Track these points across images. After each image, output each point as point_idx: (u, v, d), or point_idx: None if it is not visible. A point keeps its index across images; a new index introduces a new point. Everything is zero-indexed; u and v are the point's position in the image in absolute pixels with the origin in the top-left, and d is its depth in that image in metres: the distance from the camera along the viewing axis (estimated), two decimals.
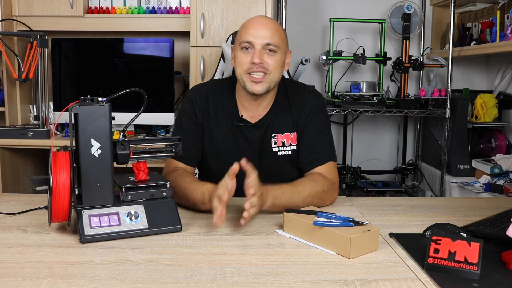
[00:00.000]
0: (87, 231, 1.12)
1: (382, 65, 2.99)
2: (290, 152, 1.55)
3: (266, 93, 1.49)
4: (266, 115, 1.55)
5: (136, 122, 1.29)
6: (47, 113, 2.65)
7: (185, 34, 2.57)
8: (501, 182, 2.33)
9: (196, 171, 1.68)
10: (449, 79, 2.78)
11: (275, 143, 1.55)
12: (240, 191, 1.51)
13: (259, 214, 1.31)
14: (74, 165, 1.12)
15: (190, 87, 2.47)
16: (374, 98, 2.89)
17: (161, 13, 2.68)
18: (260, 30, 1.43)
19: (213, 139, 1.55)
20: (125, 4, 2.70)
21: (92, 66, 2.68)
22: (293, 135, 1.55)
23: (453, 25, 2.75)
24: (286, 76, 2.07)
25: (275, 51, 1.44)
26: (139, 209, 1.19)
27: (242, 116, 1.54)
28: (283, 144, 1.55)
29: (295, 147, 1.55)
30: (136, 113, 1.27)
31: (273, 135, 1.54)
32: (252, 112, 1.54)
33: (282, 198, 1.33)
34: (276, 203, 1.32)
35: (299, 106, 1.55)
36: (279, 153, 1.55)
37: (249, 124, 1.54)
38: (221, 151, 1.55)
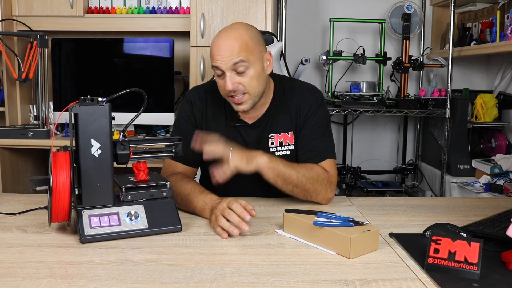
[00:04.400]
0: (87, 231, 1.12)
1: (382, 65, 2.99)
2: (288, 152, 1.55)
3: (255, 105, 1.48)
4: (263, 115, 1.54)
5: (136, 122, 1.29)
6: (47, 113, 2.65)
7: (185, 34, 2.57)
8: (501, 182, 2.33)
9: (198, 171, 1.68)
10: (449, 79, 2.78)
11: (272, 143, 1.54)
12: (240, 191, 1.52)
13: (259, 214, 1.31)
14: (74, 165, 1.12)
15: (190, 87, 2.47)
16: (374, 98, 2.89)
17: (161, 13, 2.68)
18: (224, 52, 1.38)
19: None
20: (125, 4, 2.70)
21: (92, 66, 2.68)
22: (290, 134, 1.55)
23: (453, 25, 2.75)
24: (286, 75, 2.07)
25: (247, 67, 1.40)
26: (139, 209, 1.19)
27: (239, 116, 1.54)
28: (281, 144, 1.54)
29: (293, 146, 1.55)
30: (136, 113, 1.27)
31: (270, 135, 1.54)
32: (249, 113, 1.54)
33: (277, 161, 1.37)
34: (272, 161, 1.36)
35: (297, 104, 1.54)
36: (277, 154, 1.54)
37: (246, 125, 1.54)
38: None
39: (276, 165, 1.37)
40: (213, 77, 2.18)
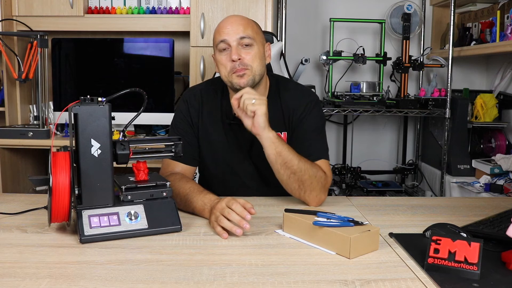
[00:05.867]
0: (87, 231, 1.12)
1: (382, 65, 2.99)
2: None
3: (254, 88, 1.48)
4: None
5: (136, 122, 1.29)
6: (47, 113, 2.65)
7: (185, 34, 2.57)
8: (501, 182, 2.33)
9: (197, 171, 1.69)
10: (449, 79, 2.78)
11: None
12: (239, 191, 1.52)
13: (259, 214, 1.31)
14: (74, 165, 1.12)
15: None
16: (374, 98, 2.89)
17: (161, 13, 2.68)
18: (232, 27, 1.44)
19: (207, 138, 1.56)
20: (125, 4, 2.70)
21: (92, 66, 2.68)
22: (284, 134, 1.55)
23: (453, 25, 2.75)
24: (286, 75, 2.08)
25: (251, 44, 1.45)
26: (139, 209, 1.19)
27: (235, 114, 1.54)
28: None
29: None
30: (136, 113, 1.27)
31: None
32: None
33: (283, 142, 1.39)
34: (278, 138, 1.38)
35: (290, 106, 1.54)
36: None
37: (241, 123, 1.54)
38: (216, 150, 1.56)
39: (281, 144, 1.38)
40: (213, 76, 2.18)
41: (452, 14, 2.73)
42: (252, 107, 1.34)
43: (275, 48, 1.95)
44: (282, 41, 2.75)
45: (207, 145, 1.56)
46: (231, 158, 1.56)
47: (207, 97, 1.57)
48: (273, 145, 1.37)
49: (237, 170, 1.57)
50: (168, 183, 1.25)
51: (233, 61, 1.43)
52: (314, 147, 1.51)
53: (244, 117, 1.38)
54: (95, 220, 1.14)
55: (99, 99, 1.15)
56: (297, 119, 1.53)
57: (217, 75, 2.15)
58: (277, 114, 1.54)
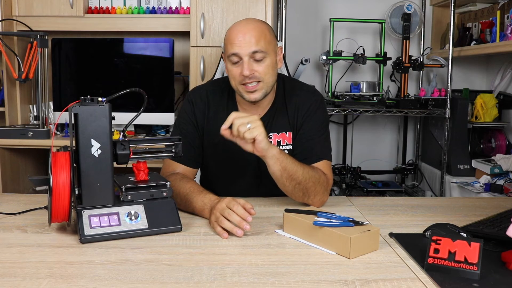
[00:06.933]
0: (87, 231, 1.12)
1: (382, 65, 2.99)
2: (285, 152, 1.55)
3: (265, 97, 1.49)
4: (265, 115, 1.54)
5: (136, 122, 1.29)
6: (47, 113, 2.65)
7: (185, 34, 2.57)
8: (501, 182, 2.34)
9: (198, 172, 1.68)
10: (449, 79, 2.78)
11: (270, 142, 1.54)
12: (239, 191, 1.52)
13: (259, 214, 1.31)
14: (74, 165, 1.12)
15: (190, 87, 2.47)
16: (374, 98, 2.89)
17: (161, 13, 2.68)
18: (244, 39, 1.40)
19: (212, 139, 1.55)
20: (125, 4, 2.70)
21: (92, 66, 2.68)
22: (289, 134, 1.55)
23: (453, 25, 2.75)
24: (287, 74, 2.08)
25: (264, 56, 1.42)
26: (139, 209, 1.19)
27: None
28: (279, 144, 1.54)
29: (291, 146, 1.55)
30: (136, 113, 1.27)
31: (269, 134, 1.54)
32: (251, 112, 1.54)
33: (286, 155, 1.37)
34: (282, 153, 1.35)
35: (295, 106, 1.54)
36: None
37: None
38: (220, 151, 1.55)
39: (285, 158, 1.36)
40: (213, 76, 2.18)
41: (452, 14, 2.73)
42: (249, 134, 1.27)
43: None
44: (282, 41, 2.75)
45: (212, 147, 1.56)
46: (236, 160, 1.55)
47: (213, 98, 1.56)
48: (278, 161, 1.34)
49: (241, 172, 1.56)
50: (168, 183, 1.25)
51: (245, 76, 1.41)
52: (317, 147, 1.51)
53: (242, 143, 1.31)
54: (95, 220, 1.14)
55: (99, 99, 1.16)
56: (301, 118, 1.53)
57: (217, 75, 2.15)
58: (283, 114, 1.54)
